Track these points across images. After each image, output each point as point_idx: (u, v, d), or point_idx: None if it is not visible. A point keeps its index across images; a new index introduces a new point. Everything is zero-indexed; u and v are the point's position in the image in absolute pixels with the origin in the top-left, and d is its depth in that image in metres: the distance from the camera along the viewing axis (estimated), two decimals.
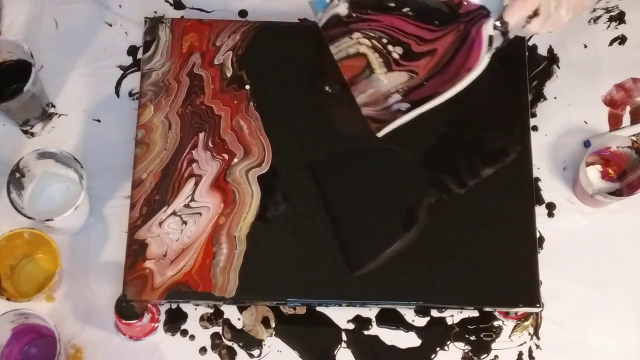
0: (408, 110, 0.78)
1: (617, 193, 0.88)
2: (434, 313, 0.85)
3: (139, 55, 0.92)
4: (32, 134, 0.90)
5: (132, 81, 0.91)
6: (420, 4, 0.81)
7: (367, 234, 0.82)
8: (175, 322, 0.84)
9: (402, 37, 0.80)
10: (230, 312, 0.84)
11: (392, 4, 0.79)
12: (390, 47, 0.79)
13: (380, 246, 0.82)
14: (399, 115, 0.78)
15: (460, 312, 0.84)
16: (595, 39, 0.94)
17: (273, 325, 0.84)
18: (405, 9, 0.81)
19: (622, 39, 0.94)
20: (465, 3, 0.78)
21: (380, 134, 0.78)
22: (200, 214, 0.82)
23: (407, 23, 0.78)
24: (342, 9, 0.76)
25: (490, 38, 0.74)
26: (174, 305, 0.85)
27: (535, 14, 0.71)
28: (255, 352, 0.83)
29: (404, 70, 0.80)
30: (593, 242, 0.87)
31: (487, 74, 0.86)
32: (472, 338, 0.84)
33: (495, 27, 0.73)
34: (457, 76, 0.77)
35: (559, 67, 0.93)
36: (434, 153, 0.85)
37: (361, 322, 0.84)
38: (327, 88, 0.87)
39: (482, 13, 0.76)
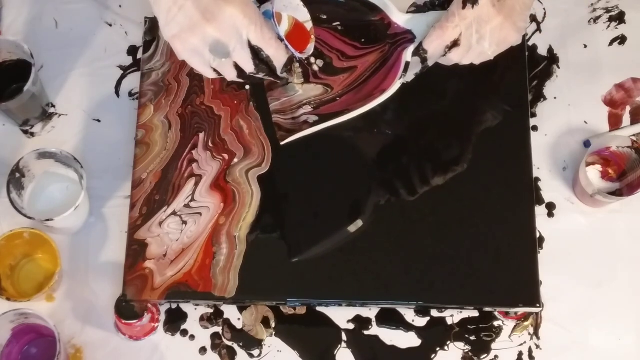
0: (315, 122, 0.79)
1: (617, 193, 0.88)
2: (434, 313, 0.84)
3: (139, 55, 0.92)
4: (32, 134, 0.90)
5: (132, 81, 0.91)
6: (351, 19, 0.82)
7: (309, 221, 0.82)
8: (175, 322, 0.84)
9: (326, 51, 0.82)
10: (230, 312, 0.84)
11: (324, 16, 0.80)
12: (312, 59, 0.80)
13: (320, 235, 0.82)
14: (306, 126, 0.80)
15: (460, 312, 0.84)
16: (595, 39, 0.94)
17: (273, 325, 0.84)
18: (336, 23, 0.82)
19: (622, 39, 0.94)
20: (395, 25, 0.79)
21: (283, 143, 0.79)
22: (200, 214, 0.82)
23: (334, 37, 0.78)
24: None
25: (407, 65, 0.75)
26: (174, 305, 0.85)
27: (456, 44, 0.72)
28: (255, 352, 0.83)
29: (321, 83, 0.82)
30: (593, 242, 0.87)
31: (488, 74, 0.86)
32: (472, 338, 0.84)
33: (414, 53, 0.74)
34: (370, 96, 0.79)
35: (559, 67, 0.93)
36: (428, 154, 0.85)
37: (361, 322, 0.84)
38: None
39: (407, 37, 0.78)
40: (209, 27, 0.65)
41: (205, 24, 0.64)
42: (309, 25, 0.74)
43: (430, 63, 0.75)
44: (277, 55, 0.68)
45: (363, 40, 0.83)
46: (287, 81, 0.72)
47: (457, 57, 0.74)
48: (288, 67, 0.69)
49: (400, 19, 0.80)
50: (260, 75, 0.70)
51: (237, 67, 0.68)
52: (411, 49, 0.75)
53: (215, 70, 0.69)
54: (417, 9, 0.78)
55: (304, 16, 0.74)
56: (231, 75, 0.69)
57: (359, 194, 0.83)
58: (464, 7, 0.71)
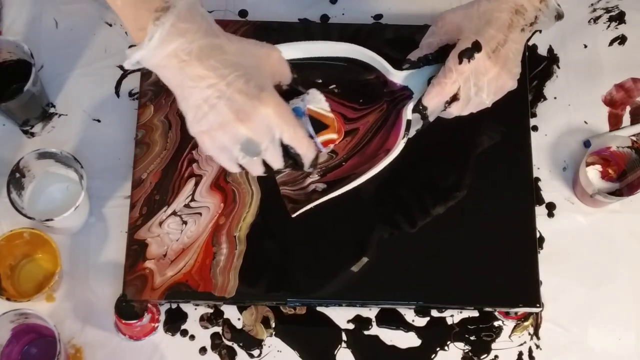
0: (324, 191, 0.78)
1: (617, 193, 0.88)
2: (434, 313, 0.85)
3: None
4: (32, 134, 0.90)
5: (132, 81, 0.91)
6: (346, 81, 0.81)
7: (312, 265, 0.81)
8: (175, 322, 0.84)
9: None
10: (230, 312, 0.84)
11: (319, 80, 0.79)
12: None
13: (322, 282, 0.81)
14: (315, 195, 0.78)
15: (460, 312, 0.84)
16: (595, 39, 0.94)
17: (273, 325, 0.84)
18: (332, 86, 0.81)
19: (622, 39, 0.94)
20: (391, 82, 0.78)
21: (294, 215, 0.78)
22: (200, 214, 0.82)
23: (332, 101, 0.76)
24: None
25: (409, 123, 0.74)
26: (174, 305, 0.85)
27: (455, 98, 0.72)
28: (255, 352, 0.83)
29: None
30: (593, 242, 0.87)
31: None
32: (472, 338, 0.84)
33: (415, 110, 0.74)
34: (375, 157, 0.78)
35: (559, 67, 0.93)
36: (428, 159, 0.85)
37: (361, 322, 0.84)
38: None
39: (404, 94, 0.77)
40: (241, 127, 0.63)
41: (238, 123, 0.62)
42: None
43: (431, 119, 0.75)
44: (308, 153, 0.67)
45: (361, 100, 0.81)
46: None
47: (457, 110, 0.74)
48: (315, 162, 0.69)
49: (396, 76, 0.79)
50: (286, 170, 0.69)
51: (265, 163, 0.68)
52: (411, 106, 0.75)
53: (240, 165, 0.68)
54: (412, 65, 0.77)
55: (326, 109, 0.73)
56: (258, 172, 0.68)
57: (362, 228, 0.82)
58: (460, 62, 0.71)
